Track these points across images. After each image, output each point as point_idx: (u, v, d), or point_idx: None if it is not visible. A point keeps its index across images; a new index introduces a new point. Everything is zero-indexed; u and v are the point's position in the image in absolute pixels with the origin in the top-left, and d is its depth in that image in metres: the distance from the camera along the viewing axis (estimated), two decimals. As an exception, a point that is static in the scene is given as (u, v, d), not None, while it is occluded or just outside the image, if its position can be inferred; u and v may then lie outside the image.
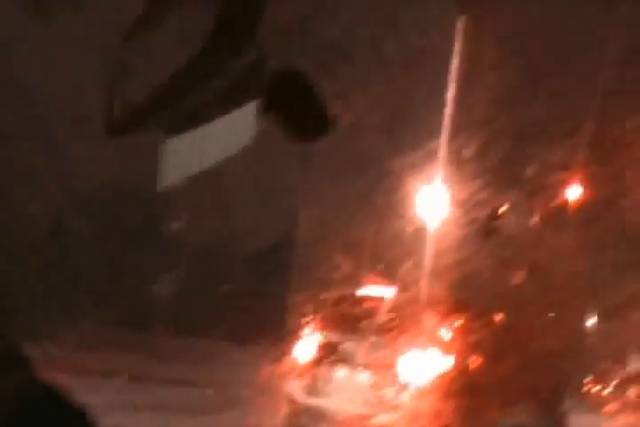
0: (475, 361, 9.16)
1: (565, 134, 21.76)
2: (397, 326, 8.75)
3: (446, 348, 8.70)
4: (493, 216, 22.34)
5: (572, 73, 19.28)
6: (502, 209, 22.65)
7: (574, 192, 23.00)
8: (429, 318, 8.85)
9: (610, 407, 22.70)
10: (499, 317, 10.86)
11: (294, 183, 21.08)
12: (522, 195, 23.12)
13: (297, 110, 1.63)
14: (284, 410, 9.12)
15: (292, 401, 9.06)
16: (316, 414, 8.86)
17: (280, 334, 9.31)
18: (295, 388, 9.09)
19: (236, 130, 1.68)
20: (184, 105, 1.58)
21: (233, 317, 16.31)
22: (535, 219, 23.06)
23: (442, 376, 8.54)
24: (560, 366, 14.29)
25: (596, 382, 24.59)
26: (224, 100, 1.60)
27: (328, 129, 1.65)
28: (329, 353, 8.97)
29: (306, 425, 8.99)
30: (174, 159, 1.66)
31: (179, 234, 18.64)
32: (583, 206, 22.96)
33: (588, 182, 22.79)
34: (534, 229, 23.31)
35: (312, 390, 8.97)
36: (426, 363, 8.55)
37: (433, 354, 8.56)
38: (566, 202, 22.94)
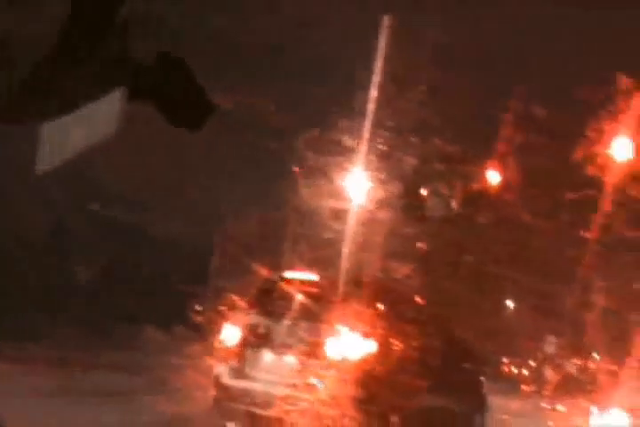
0: (397, 345, 9.39)
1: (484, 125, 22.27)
2: (322, 309, 8.92)
3: (369, 332, 8.89)
4: (417, 200, 22.72)
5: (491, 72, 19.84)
6: (425, 193, 23.02)
7: (491, 178, 23.50)
8: (353, 302, 9.03)
9: (527, 387, 23.35)
10: (422, 300, 11.14)
11: (215, 168, 21.18)
12: (443, 180, 23.54)
13: (173, 96, 1.68)
14: (211, 393, 9.25)
15: (219, 384, 9.19)
16: (243, 397, 9.01)
17: (206, 318, 9.41)
18: (222, 371, 9.22)
19: (105, 115, 1.75)
20: (52, 93, 1.65)
21: (158, 301, 16.33)
22: (456, 203, 23.47)
23: (364, 359, 8.74)
24: (480, 348, 14.68)
25: (514, 363, 25.25)
26: (91, 87, 1.66)
27: (208, 116, 1.69)
28: (255, 336, 9.12)
29: (233, 407, 9.13)
30: (50, 144, 1.74)
31: (100, 217, 18.51)
32: (499, 191, 23.50)
33: (503, 169, 23.30)
34: (455, 213, 23.73)
35: (239, 372, 9.11)
36: (349, 346, 8.75)
37: (356, 338, 8.75)
38: (484, 187, 23.40)
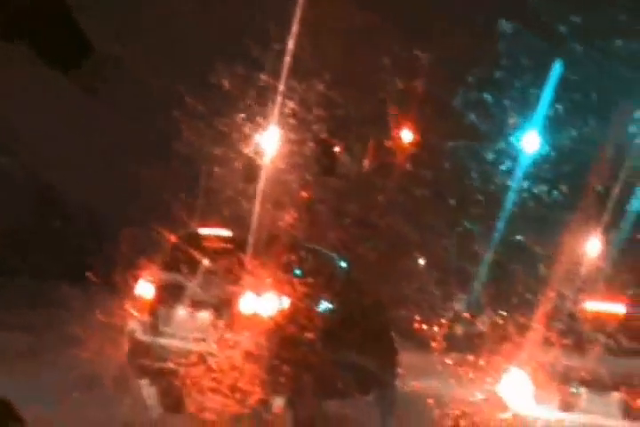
0: (309, 302, 9.48)
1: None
2: (235, 266, 8.93)
3: (282, 288, 8.94)
4: (328, 157, 22.96)
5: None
6: (336, 150, 23.27)
7: (403, 137, 23.99)
8: (266, 258, 9.06)
9: (438, 345, 23.78)
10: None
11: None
12: (354, 139, 23.86)
13: (48, 36, 1.60)
14: (125, 349, 9.21)
15: (133, 340, 9.15)
16: (157, 352, 9.00)
17: (119, 274, 9.31)
18: (136, 327, 9.18)
19: None
20: None
21: (67, 257, 16.10)
22: (366, 161, 23.84)
23: (277, 316, 8.80)
24: (390, 307, 14.92)
25: (424, 321, 25.74)
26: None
27: (85, 56, 1.63)
28: (169, 293, 9.10)
29: (147, 363, 9.12)
30: None
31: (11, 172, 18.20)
32: (408, 151, 24.06)
33: (415, 130, 23.80)
34: (366, 171, 24.09)
35: (152, 328, 9.09)
36: (262, 303, 8.79)
37: (269, 294, 8.80)
38: (394, 147, 23.78)
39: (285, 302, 8.86)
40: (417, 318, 18.47)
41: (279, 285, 8.92)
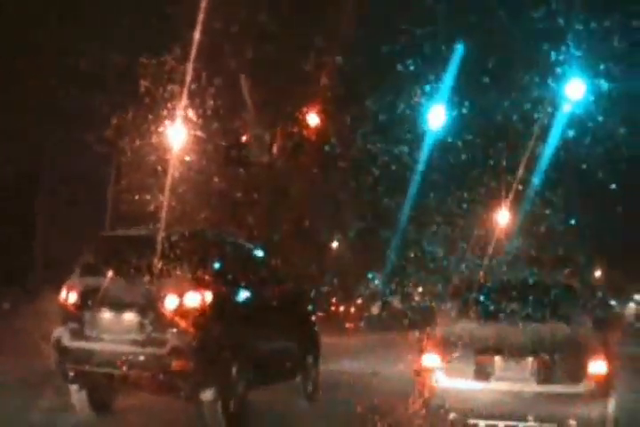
0: (231, 294, 9.74)
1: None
2: (156, 264, 9.11)
3: (203, 284, 9.17)
4: (238, 146, 23.25)
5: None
6: (244, 139, 23.49)
7: (310, 122, 24.31)
8: (186, 256, 9.26)
9: (351, 325, 24.25)
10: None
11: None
12: (262, 127, 24.10)
13: None
14: (52, 356, 9.32)
15: (60, 346, 9.27)
16: (85, 356, 9.14)
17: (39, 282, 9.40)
18: (61, 333, 9.29)
19: None
20: None
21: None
22: (275, 148, 24.17)
23: (201, 310, 9.03)
24: (310, 289, 15.26)
25: (341, 303, 26.23)
26: None
27: None
28: (92, 297, 9.22)
29: (75, 368, 9.25)
30: None
31: None
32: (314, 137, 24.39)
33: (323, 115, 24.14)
34: (274, 157, 24.40)
35: (78, 334, 9.21)
36: (187, 301, 9.01)
37: (192, 293, 9.02)
38: (302, 133, 24.10)
39: (208, 298, 9.08)
40: (334, 300, 18.76)
41: (200, 281, 9.13)
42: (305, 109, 24.00)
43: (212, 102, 20.12)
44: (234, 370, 9.34)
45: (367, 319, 28.60)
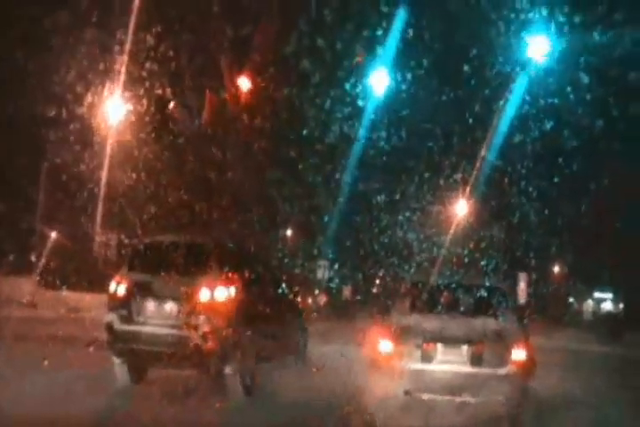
0: (245, 289, 12.05)
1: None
2: (189, 265, 11.46)
3: (227, 280, 11.53)
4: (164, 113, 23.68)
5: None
6: (171, 106, 23.87)
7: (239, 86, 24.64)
8: (211, 259, 11.64)
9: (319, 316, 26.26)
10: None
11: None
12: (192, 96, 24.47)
13: None
14: (105, 337, 11.61)
15: (111, 329, 11.57)
16: (132, 338, 11.46)
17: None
18: (113, 318, 11.59)
19: None
20: None
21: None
22: (204, 116, 24.65)
23: (226, 302, 11.39)
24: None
25: (303, 293, 28.30)
26: None
27: None
28: (138, 289, 11.53)
29: (123, 347, 11.56)
30: None
31: None
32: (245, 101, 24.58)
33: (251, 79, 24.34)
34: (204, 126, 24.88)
35: (127, 319, 11.52)
36: (216, 293, 11.38)
37: (221, 288, 11.39)
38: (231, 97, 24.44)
39: (232, 292, 11.46)
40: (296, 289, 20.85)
41: (226, 278, 11.50)
42: (234, 73, 23.75)
43: (142, 70, 20.54)
44: (249, 350, 11.72)
45: (317, 310, 30.42)
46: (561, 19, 18.69)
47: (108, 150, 22.15)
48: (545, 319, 34.60)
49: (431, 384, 10.22)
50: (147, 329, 11.45)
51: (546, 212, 35.39)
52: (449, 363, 10.30)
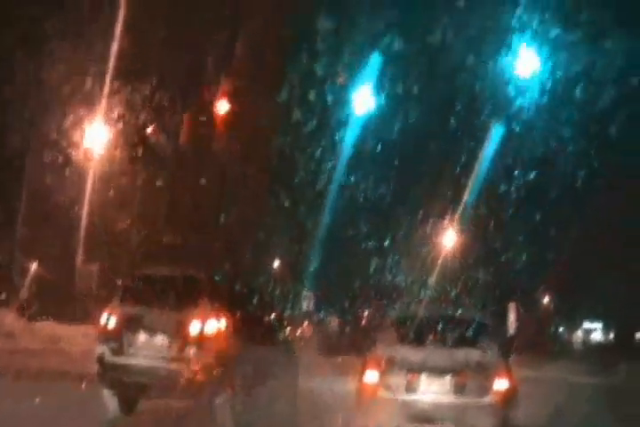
0: (236, 319, 12.22)
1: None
2: (181, 297, 11.66)
3: (218, 312, 11.72)
4: (141, 138, 23.72)
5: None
6: (149, 131, 23.99)
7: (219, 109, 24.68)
8: (201, 290, 11.85)
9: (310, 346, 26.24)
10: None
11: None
12: (170, 118, 24.60)
13: None
14: (96, 368, 11.78)
15: (102, 361, 11.73)
16: (122, 369, 11.62)
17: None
18: (104, 350, 11.76)
19: None
20: None
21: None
22: (182, 139, 24.78)
23: (217, 333, 11.57)
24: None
25: (291, 324, 28.48)
26: None
27: None
28: (129, 321, 11.71)
29: (114, 378, 11.72)
30: None
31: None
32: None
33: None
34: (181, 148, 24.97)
35: (118, 351, 11.68)
36: (205, 325, 11.56)
37: (212, 320, 11.57)
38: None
39: (222, 324, 11.64)
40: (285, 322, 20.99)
41: (216, 311, 11.70)
42: (214, 95, 23.97)
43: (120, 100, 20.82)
44: (239, 379, 11.88)
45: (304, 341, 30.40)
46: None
47: (91, 176, 22.18)
48: (534, 350, 34.77)
49: (415, 414, 10.52)
50: (138, 361, 11.61)
51: (532, 247, 35.76)
52: (432, 393, 10.56)
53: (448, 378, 10.52)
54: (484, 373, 10.50)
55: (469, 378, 10.47)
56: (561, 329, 58.68)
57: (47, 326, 21.51)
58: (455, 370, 10.53)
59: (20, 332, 21.68)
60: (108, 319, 11.87)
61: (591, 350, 44.92)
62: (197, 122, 25.47)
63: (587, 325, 59.05)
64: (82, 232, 23.86)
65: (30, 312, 22.71)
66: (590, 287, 44.65)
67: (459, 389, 10.45)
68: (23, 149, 22.93)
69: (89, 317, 18.53)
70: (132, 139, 23.01)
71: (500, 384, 10.47)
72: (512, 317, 41.03)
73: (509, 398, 10.53)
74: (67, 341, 19.42)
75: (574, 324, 58.39)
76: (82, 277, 27.04)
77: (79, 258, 25.74)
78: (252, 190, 27.05)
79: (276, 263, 37.19)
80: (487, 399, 10.37)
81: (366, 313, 32.02)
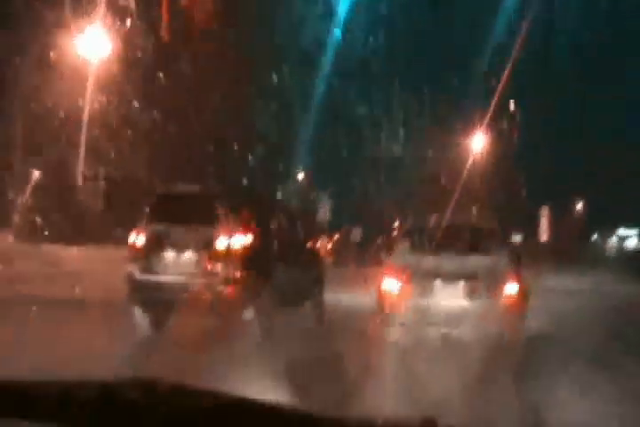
0: (263, 236, 12.30)
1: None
2: (207, 213, 11.72)
3: (243, 228, 11.78)
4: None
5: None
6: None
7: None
8: (228, 207, 11.88)
9: (331, 259, 26.45)
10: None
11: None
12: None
13: None
14: (126, 286, 11.91)
15: (132, 279, 11.85)
16: (152, 287, 11.74)
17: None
18: (133, 268, 11.88)
19: None
20: None
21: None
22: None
23: (243, 249, 11.64)
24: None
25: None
26: None
27: None
28: (158, 240, 11.78)
29: (145, 296, 11.86)
30: None
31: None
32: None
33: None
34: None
35: (147, 269, 11.79)
36: (232, 240, 11.63)
37: (238, 236, 11.64)
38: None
39: (249, 239, 11.71)
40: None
41: (242, 226, 11.75)
42: None
43: None
44: (266, 295, 11.99)
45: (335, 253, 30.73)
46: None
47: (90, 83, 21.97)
48: (567, 256, 34.90)
49: (430, 317, 10.90)
50: (166, 278, 11.72)
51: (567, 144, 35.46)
52: (446, 298, 11.06)
53: (461, 283, 10.97)
54: (495, 277, 10.98)
55: (481, 283, 10.95)
56: (595, 236, 58.65)
57: (45, 249, 20.14)
58: (467, 276, 10.99)
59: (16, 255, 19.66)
60: (136, 238, 11.95)
61: (626, 256, 44.69)
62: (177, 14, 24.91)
63: (621, 231, 58.78)
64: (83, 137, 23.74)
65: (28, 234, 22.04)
66: (625, 193, 44.12)
67: (471, 293, 10.92)
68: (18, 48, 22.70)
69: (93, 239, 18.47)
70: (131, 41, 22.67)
71: (510, 289, 10.93)
72: (545, 222, 40.74)
73: (520, 301, 11.01)
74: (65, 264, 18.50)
75: (609, 230, 58.26)
76: (86, 190, 25.90)
77: (81, 166, 25.07)
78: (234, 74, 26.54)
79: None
80: (498, 302, 10.85)
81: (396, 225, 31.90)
